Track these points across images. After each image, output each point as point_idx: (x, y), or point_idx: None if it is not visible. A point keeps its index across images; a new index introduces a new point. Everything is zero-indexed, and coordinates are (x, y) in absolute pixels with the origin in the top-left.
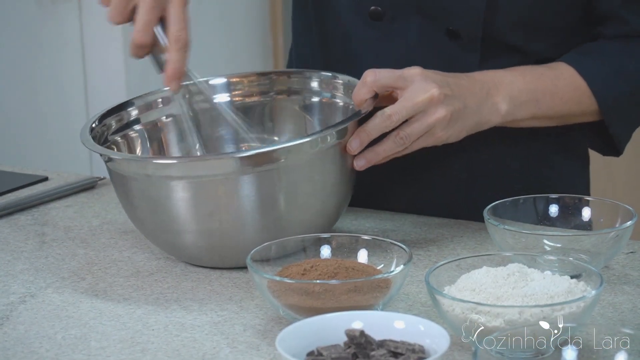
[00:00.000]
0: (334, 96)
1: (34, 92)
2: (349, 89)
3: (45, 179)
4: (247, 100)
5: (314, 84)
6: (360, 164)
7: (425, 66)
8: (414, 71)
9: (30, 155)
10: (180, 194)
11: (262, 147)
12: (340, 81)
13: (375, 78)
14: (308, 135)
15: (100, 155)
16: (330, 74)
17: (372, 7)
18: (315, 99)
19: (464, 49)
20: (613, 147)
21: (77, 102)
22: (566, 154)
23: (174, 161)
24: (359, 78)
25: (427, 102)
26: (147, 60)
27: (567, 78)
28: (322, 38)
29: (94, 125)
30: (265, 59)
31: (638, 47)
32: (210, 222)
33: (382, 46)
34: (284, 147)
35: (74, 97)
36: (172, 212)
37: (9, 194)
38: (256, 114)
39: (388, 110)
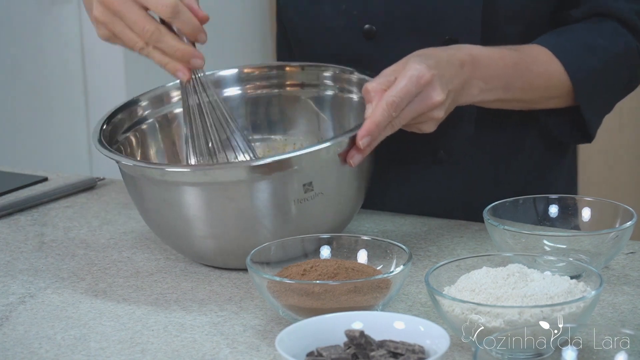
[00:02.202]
0: (349, 91)
1: (33, 92)
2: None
3: (45, 179)
4: (259, 92)
5: (328, 78)
6: (356, 161)
7: None
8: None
9: (30, 155)
10: (192, 199)
11: (276, 155)
12: (356, 77)
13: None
14: (323, 142)
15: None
16: (345, 68)
17: (366, 26)
18: (329, 93)
19: None
20: (585, 133)
21: (77, 102)
22: (561, 167)
23: (187, 169)
24: None
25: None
26: (147, 60)
27: (542, 64)
28: (305, 51)
29: (104, 126)
30: (265, 59)
31: (606, 26)
32: (222, 226)
33: (376, 63)
34: (298, 155)
35: (73, 97)
36: (184, 216)
37: (9, 195)
38: (267, 107)
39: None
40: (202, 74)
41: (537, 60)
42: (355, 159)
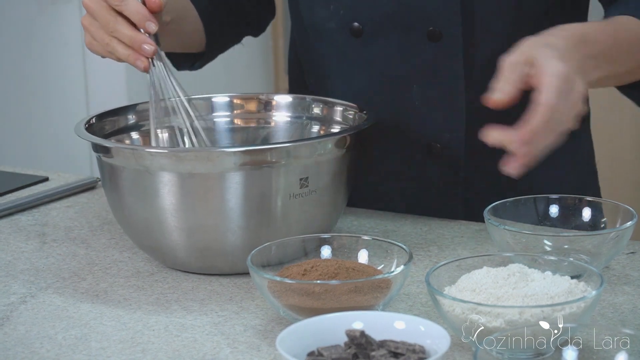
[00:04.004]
0: (330, 124)
1: (34, 93)
2: (345, 115)
3: (46, 179)
4: (247, 123)
5: (316, 110)
6: (518, 171)
7: (409, 74)
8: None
9: (30, 155)
10: (169, 187)
11: (258, 145)
12: (340, 108)
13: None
14: (309, 139)
15: (93, 146)
16: (330, 100)
17: (355, 24)
18: (316, 127)
19: (446, 49)
20: None
21: (77, 103)
22: (573, 156)
23: (165, 151)
24: (342, 92)
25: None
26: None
27: (634, 31)
28: (307, 55)
29: (92, 121)
30: (265, 58)
31: None
32: (204, 217)
33: (365, 60)
34: (282, 147)
35: (74, 98)
36: (158, 206)
37: (10, 195)
38: (254, 137)
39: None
40: (163, 65)
41: (629, 28)
42: (518, 168)
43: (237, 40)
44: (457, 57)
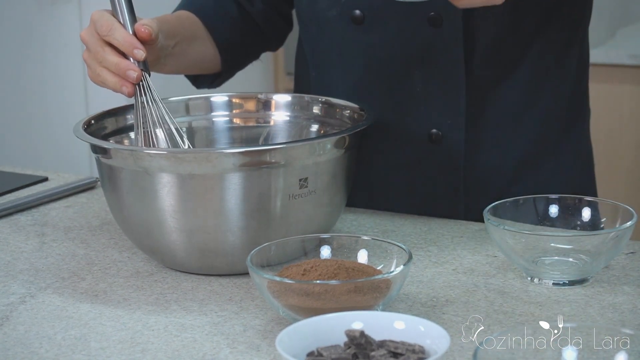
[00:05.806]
0: (329, 123)
1: (34, 93)
2: (344, 113)
3: (45, 179)
4: (246, 122)
5: (315, 110)
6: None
7: (410, 60)
8: None
9: (30, 155)
10: (168, 188)
11: (257, 146)
12: (339, 108)
13: None
14: (308, 139)
15: (92, 147)
16: (329, 100)
17: (356, 12)
18: (315, 126)
19: (447, 35)
20: None
21: (77, 103)
22: (572, 156)
23: (164, 152)
24: (343, 81)
25: None
26: None
27: None
28: (308, 47)
29: (92, 122)
30: (264, 57)
31: None
32: (204, 218)
33: (366, 47)
34: (281, 148)
35: (74, 98)
36: (157, 207)
37: (9, 194)
38: (254, 137)
39: None
40: (149, 85)
41: None
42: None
43: (255, 57)
44: (458, 43)
